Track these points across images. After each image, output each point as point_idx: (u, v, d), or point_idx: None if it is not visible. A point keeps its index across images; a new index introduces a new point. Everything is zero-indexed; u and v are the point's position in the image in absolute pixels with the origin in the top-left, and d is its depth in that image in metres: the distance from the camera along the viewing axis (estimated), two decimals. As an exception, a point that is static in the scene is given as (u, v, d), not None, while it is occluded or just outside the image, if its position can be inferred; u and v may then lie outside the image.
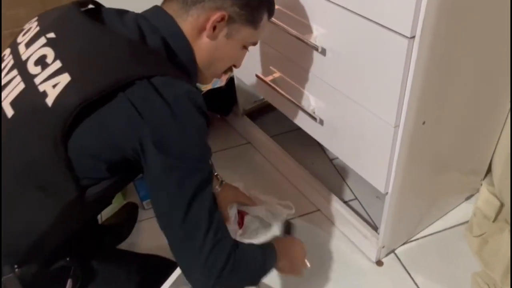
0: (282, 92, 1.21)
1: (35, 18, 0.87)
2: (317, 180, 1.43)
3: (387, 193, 1.08)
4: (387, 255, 1.28)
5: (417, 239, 1.32)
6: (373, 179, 1.09)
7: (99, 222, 1.37)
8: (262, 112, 1.71)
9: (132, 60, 0.75)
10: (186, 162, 0.75)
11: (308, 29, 1.04)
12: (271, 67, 1.28)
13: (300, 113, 1.19)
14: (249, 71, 1.35)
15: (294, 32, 1.05)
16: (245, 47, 0.93)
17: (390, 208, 1.12)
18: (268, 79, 1.27)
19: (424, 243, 1.31)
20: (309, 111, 1.15)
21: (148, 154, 0.73)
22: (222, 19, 0.83)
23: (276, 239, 1.13)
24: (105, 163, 0.77)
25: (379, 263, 1.27)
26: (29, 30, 0.84)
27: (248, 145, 1.69)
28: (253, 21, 0.88)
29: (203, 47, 0.86)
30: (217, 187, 1.22)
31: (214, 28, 0.84)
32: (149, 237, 1.36)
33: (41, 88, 0.73)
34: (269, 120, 1.69)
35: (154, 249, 1.23)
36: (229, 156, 1.66)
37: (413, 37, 0.80)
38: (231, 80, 1.59)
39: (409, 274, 1.24)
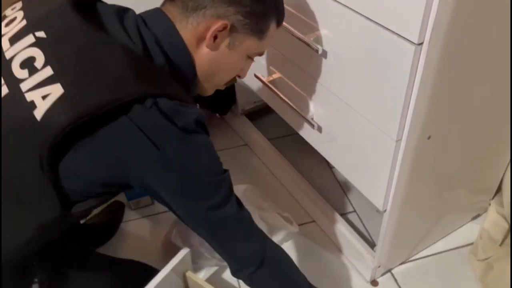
0: (280, 95, 1.13)
1: (20, 5, 0.78)
2: (314, 189, 1.36)
3: (385, 210, 1.00)
4: (383, 274, 1.20)
5: (417, 259, 1.24)
6: (371, 195, 1.01)
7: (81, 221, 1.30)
8: (262, 113, 1.64)
9: (134, 77, 0.67)
10: (205, 177, 0.75)
11: (310, 29, 0.96)
12: (271, 67, 1.20)
13: (298, 118, 1.11)
14: (251, 70, 1.27)
15: (294, 31, 0.97)
16: (250, 58, 0.86)
17: (388, 227, 1.04)
18: (267, 79, 1.19)
19: (424, 264, 1.22)
20: (308, 116, 1.07)
21: (166, 185, 0.72)
22: (224, 28, 0.76)
23: None
24: (99, 186, 0.72)
25: (374, 283, 1.19)
26: (13, 20, 0.76)
27: (245, 147, 1.62)
28: (258, 31, 0.80)
29: (203, 58, 0.79)
30: None
31: (215, 37, 0.76)
32: (133, 239, 1.30)
33: (28, 97, 0.66)
34: (269, 122, 1.61)
35: (137, 252, 1.17)
36: (225, 158, 1.54)
37: (421, 43, 0.72)
38: (231, 78, 1.52)
39: (405, 297, 1.16)
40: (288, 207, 1.38)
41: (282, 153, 1.47)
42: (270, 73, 1.20)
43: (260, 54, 0.87)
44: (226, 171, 0.79)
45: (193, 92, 0.83)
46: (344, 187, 1.44)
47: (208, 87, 0.86)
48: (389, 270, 1.21)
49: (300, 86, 1.09)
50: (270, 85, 1.17)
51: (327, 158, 1.12)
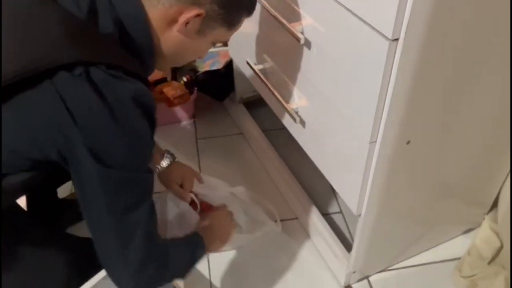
0: (268, 84, 1.09)
1: None
2: (301, 186, 1.31)
3: (360, 215, 0.95)
4: (359, 280, 1.15)
5: (398, 268, 1.18)
6: (347, 197, 0.96)
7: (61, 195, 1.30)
8: (260, 103, 1.58)
9: (66, 41, 0.62)
10: (126, 173, 0.67)
11: (296, 17, 0.91)
12: (264, 55, 1.16)
13: (284, 110, 1.07)
14: (244, 55, 1.23)
15: (281, 18, 0.92)
16: (213, 43, 0.83)
17: (363, 231, 0.99)
18: (258, 67, 1.15)
19: (405, 274, 1.17)
20: (291, 109, 1.03)
21: (81, 160, 0.65)
22: (198, 16, 0.72)
23: (200, 221, 1.06)
24: (25, 159, 0.69)
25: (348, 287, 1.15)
26: None
27: (240, 136, 1.58)
28: (230, 22, 0.78)
29: (170, 39, 0.75)
30: (163, 163, 1.11)
31: (187, 23, 0.73)
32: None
33: None
34: (266, 113, 1.56)
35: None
36: (218, 145, 1.55)
37: (396, 39, 0.66)
38: (229, 64, 1.48)
39: (379, 307, 1.11)
40: (273, 201, 1.34)
41: (275, 146, 1.43)
42: (262, 61, 1.16)
43: (225, 42, 0.83)
44: (150, 172, 0.73)
45: (149, 68, 0.79)
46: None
47: (167, 66, 0.83)
48: (367, 277, 1.16)
49: (289, 77, 1.04)
50: (259, 74, 1.12)
51: (308, 154, 1.07)
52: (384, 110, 0.75)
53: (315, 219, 1.22)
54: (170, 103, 1.52)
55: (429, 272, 1.17)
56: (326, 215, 1.25)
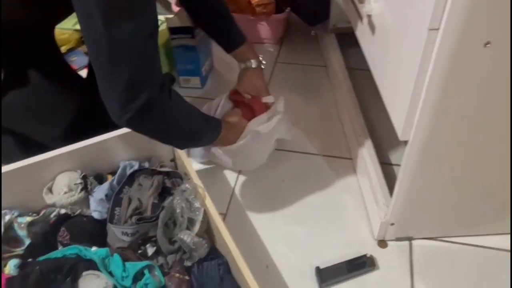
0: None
1: None
2: (366, 130, 1.12)
3: (406, 142, 0.77)
4: (399, 239, 0.96)
5: (450, 242, 0.96)
6: (395, 116, 0.78)
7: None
8: (352, 40, 1.41)
9: None
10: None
11: None
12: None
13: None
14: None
15: None
16: None
17: (407, 165, 0.80)
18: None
19: (456, 250, 0.94)
20: (363, 12, 0.86)
21: None
22: None
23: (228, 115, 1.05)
24: None
25: (382, 243, 0.96)
26: None
27: (322, 69, 1.43)
28: None
29: None
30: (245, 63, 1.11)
31: None
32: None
33: None
34: (356, 51, 1.38)
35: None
36: (295, 72, 1.43)
37: None
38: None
39: (411, 277, 0.91)
40: (333, 138, 1.20)
41: (354, 86, 1.26)
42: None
43: None
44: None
45: None
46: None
47: None
48: (410, 239, 0.96)
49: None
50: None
51: (369, 62, 0.90)
52: None
53: (369, 163, 1.04)
54: (252, 10, 1.42)
55: (485, 256, 0.93)
56: (383, 164, 1.06)
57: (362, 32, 0.94)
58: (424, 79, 0.67)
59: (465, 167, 0.82)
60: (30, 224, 0.87)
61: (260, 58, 1.14)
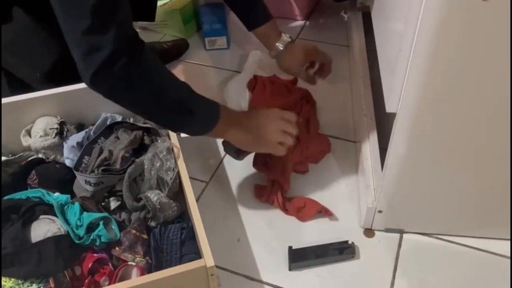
0: None
1: None
2: (374, 116, 1.03)
3: (394, 114, 0.68)
4: (388, 230, 0.87)
5: (447, 240, 0.86)
6: (385, 85, 0.70)
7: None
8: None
9: None
10: None
11: None
12: None
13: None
14: None
15: None
16: None
17: (395, 146, 0.72)
18: None
19: (453, 250, 0.84)
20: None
21: None
22: None
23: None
24: None
25: (368, 232, 0.88)
26: None
27: (344, 49, 1.34)
28: None
29: None
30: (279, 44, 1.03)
31: None
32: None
33: None
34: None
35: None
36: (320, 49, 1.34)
37: None
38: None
39: (394, 271, 0.82)
40: (340, 121, 1.12)
41: (372, 68, 1.16)
42: None
43: None
44: None
45: None
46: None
47: None
48: (401, 232, 0.87)
49: None
50: None
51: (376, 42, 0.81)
52: None
53: (369, 146, 0.95)
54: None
55: (484, 261, 0.82)
56: (383, 149, 0.96)
57: (375, 12, 0.85)
58: (413, 36, 0.58)
59: (461, 154, 0.72)
60: (4, 164, 0.87)
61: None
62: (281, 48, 1.03)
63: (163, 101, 0.72)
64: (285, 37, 1.03)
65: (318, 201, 0.91)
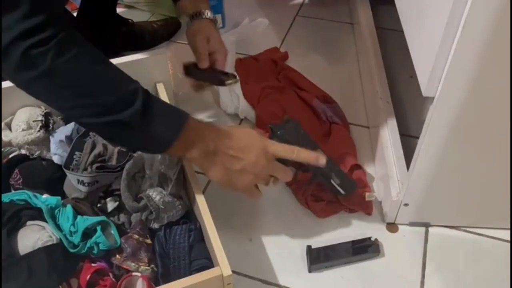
0: None
1: None
2: (390, 97, 0.95)
3: (432, 99, 0.60)
4: (413, 224, 0.80)
5: (476, 233, 0.79)
6: (420, 67, 0.61)
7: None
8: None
9: None
10: None
11: None
12: None
13: None
14: None
15: None
16: None
17: (430, 133, 0.64)
18: None
19: (482, 242, 0.78)
20: None
21: None
22: None
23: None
24: None
25: (391, 227, 0.80)
26: None
27: (348, 26, 1.26)
28: None
29: None
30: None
31: None
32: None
33: None
34: (386, 11, 1.20)
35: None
36: (316, 28, 1.27)
37: None
38: None
39: (423, 269, 0.75)
40: (351, 102, 1.04)
41: (382, 47, 1.08)
42: None
43: None
44: None
45: None
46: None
47: None
48: (426, 225, 0.80)
49: None
50: None
51: (400, 17, 0.73)
52: None
53: (387, 133, 0.87)
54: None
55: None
56: (404, 136, 0.89)
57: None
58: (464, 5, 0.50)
59: (498, 143, 0.65)
60: (-17, 163, 0.76)
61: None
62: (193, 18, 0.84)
63: (87, 102, 0.56)
64: (208, 13, 0.84)
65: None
